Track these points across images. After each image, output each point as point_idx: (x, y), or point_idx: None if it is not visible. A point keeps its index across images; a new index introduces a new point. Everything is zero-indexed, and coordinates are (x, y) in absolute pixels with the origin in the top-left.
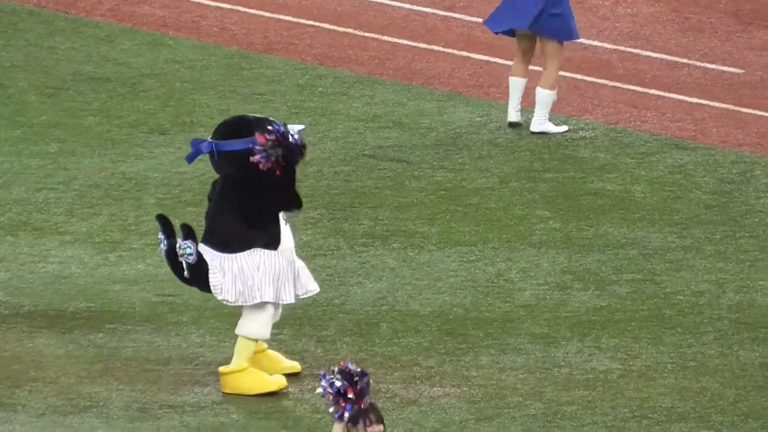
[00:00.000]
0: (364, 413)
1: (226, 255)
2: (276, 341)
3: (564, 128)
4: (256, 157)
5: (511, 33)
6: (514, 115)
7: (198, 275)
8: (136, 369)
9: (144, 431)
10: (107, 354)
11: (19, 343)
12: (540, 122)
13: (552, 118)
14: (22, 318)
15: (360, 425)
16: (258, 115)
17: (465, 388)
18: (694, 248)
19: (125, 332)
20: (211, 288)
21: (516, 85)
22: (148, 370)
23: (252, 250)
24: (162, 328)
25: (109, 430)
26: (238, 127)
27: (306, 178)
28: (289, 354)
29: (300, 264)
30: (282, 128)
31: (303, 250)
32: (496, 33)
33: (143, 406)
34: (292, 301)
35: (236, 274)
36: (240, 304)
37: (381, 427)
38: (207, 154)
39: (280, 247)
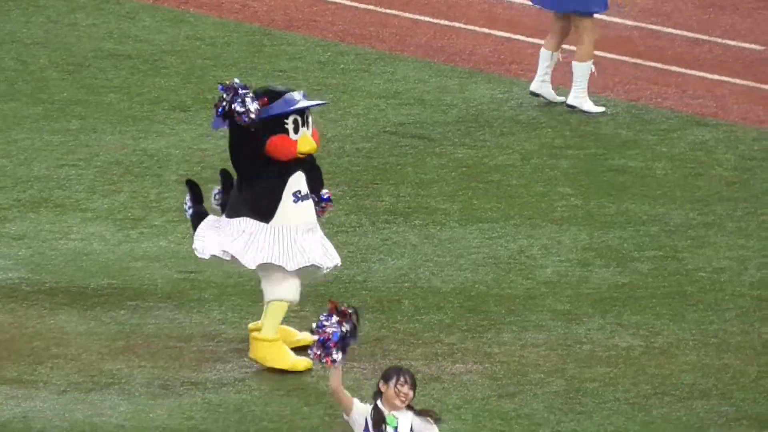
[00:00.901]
0: (398, 371)
1: (223, 217)
2: (298, 318)
3: (601, 109)
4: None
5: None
6: (534, 84)
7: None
8: (157, 346)
9: (166, 408)
10: (129, 331)
11: (41, 320)
12: (575, 96)
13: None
14: (43, 295)
15: (392, 381)
16: (281, 86)
17: (487, 365)
18: (716, 225)
19: (147, 309)
20: (194, 237)
21: (543, 56)
22: (170, 347)
23: (241, 218)
24: (184, 305)
25: (131, 406)
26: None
27: (327, 155)
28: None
29: (308, 243)
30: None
31: (325, 227)
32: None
33: (165, 383)
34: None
35: (220, 234)
36: (206, 259)
37: (411, 392)
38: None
39: (277, 223)
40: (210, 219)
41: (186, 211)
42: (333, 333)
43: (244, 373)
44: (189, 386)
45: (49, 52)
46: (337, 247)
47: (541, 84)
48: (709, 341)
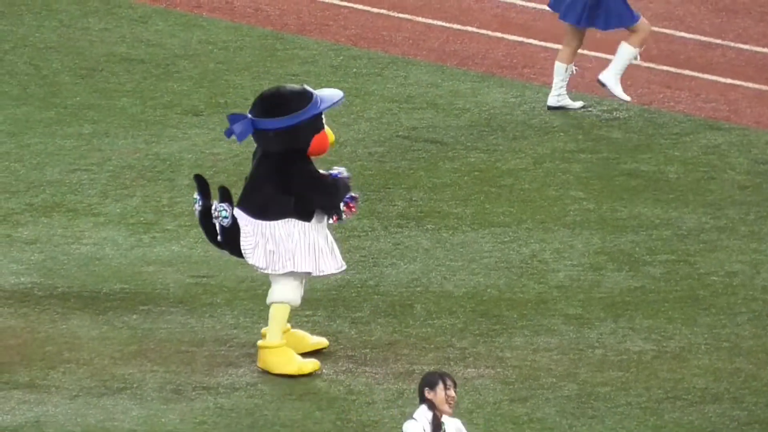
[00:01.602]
0: (441, 375)
1: (260, 222)
2: (310, 322)
3: (627, 98)
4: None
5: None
6: (551, 99)
7: (231, 239)
8: (169, 350)
9: (178, 413)
10: (141, 335)
11: (53, 324)
12: (609, 75)
13: (585, 98)
14: (56, 299)
15: (439, 387)
16: (295, 86)
17: (499, 369)
18: (728, 229)
19: (159, 313)
20: (242, 251)
21: (558, 69)
22: (182, 351)
23: (286, 219)
24: (196, 310)
25: (143, 411)
26: (276, 104)
27: (340, 159)
28: (324, 335)
29: (332, 238)
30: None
31: (337, 231)
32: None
33: (177, 388)
34: (335, 270)
35: (268, 240)
36: (270, 271)
37: (455, 393)
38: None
39: (314, 221)
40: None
41: (195, 207)
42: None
43: (256, 378)
44: (201, 391)
45: (61, 56)
46: (349, 251)
47: (558, 98)
48: (722, 345)
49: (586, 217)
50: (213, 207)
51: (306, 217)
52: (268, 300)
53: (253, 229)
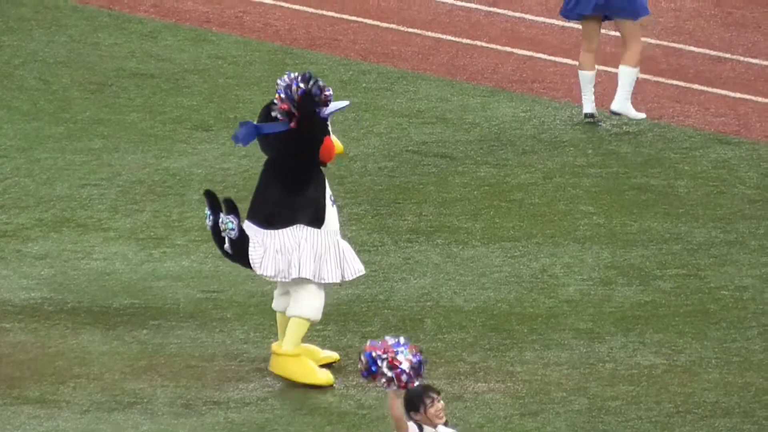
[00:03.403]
0: (420, 394)
1: (268, 231)
2: (321, 337)
3: (642, 115)
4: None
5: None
6: (588, 106)
7: (240, 251)
8: (180, 365)
9: (188, 428)
10: (151, 350)
11: (63, 339)
12: (620, 102)
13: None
14: (66, 314)
15: (424, 407)
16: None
17: (509, 384)
18: (738, 243)
19: (169, 328)
20: (251, 261)
21: (586, 78)
22: (193, 366)
23: (295, 226)
24: (206, 325)
25: (154, 426)
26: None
27: (350, 173)
28: (334, 350)
29: (345, 245)
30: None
31: None
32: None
33: (187, 403)
34: (336, 280)
35: (278, 249)
36: (279, 279)
37: (441, 402)
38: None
39: (325, 228)
40: (255, 238)
41: (207, 223)
42: (416, 360)
43: (266, 393)
44: (211, 406)
45: (71, 71)
46: None
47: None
48: (732, 359)
49: (596, 231)
50: (220, 220)
51: (315, 223)
52: (289, 312)
53: (262, 239)
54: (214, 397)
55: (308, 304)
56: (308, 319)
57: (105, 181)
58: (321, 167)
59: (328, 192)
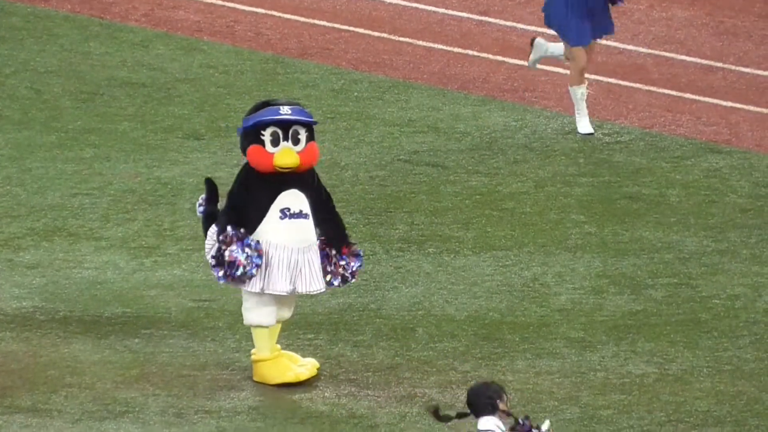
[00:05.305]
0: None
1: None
2: (312, 346)
3: (591, 131)
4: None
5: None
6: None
7: (204, 231)
8: (172, 374)
9: None
10: (143, 359)
11: (55, 348)
12: (578, 120)
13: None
14: (57, 323)
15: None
16: (281, 100)
17: None
18: (730, 252)
19: (161, 337)
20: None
21: (583, 94)
22: (184, 375)
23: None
24: (198, 334)
25: None
26: (250, 110)
27: (341, 182)
28: (325, 359)
29: (289, 261)
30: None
31: None
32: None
33: (179, 412)
34: (282, 292)
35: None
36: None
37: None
38: None
39: (275, 241)
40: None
41: (198, 210)
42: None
43: (258, 402)
44: (203, 414)
45: (62, 80)
46: None
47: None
48: (724, 368)
49: (588, 240)
50: (198, 203)
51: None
52: (244, 322)
53: (212, 243)
54: (205, 406)
55: (254, 312)
56: (261, 326)
57: (96, 190)
58: (280, 179)
59: (284, 206)
